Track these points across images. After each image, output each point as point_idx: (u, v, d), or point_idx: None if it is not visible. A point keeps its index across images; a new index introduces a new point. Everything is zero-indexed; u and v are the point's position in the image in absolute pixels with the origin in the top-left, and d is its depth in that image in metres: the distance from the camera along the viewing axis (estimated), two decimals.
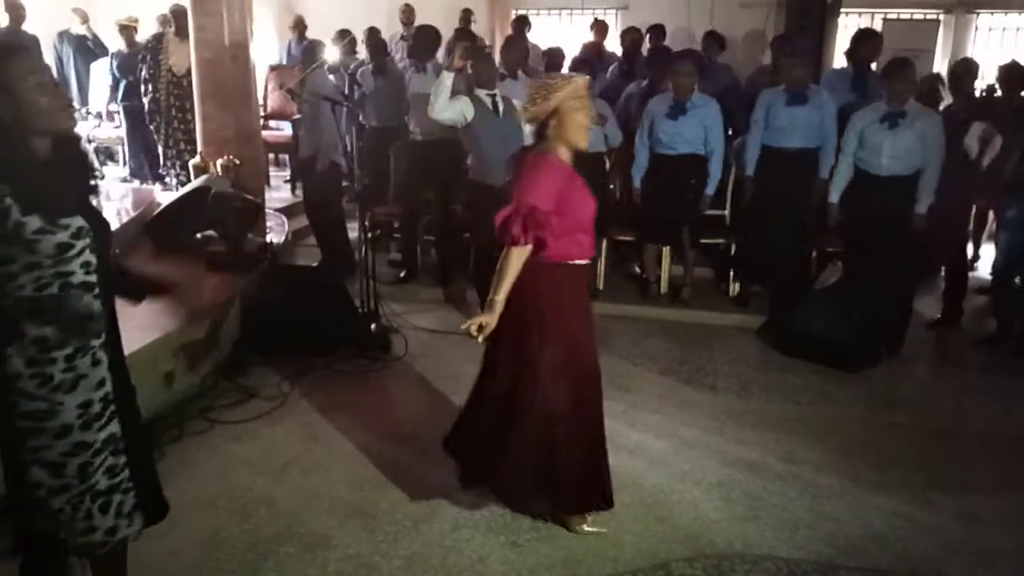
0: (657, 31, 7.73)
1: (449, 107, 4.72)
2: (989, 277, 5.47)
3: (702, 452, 3.79)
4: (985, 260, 6.31)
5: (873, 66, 5.79)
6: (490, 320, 2.86)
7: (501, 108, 4.87)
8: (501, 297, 2.86)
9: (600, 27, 8.41)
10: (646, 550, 3.07)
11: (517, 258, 2.85)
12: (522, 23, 8.13)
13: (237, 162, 5.69)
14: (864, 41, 5.76)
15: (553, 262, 2.91)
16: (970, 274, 6.00)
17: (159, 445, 3.65)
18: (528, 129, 3.15)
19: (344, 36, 7.62)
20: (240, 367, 4.52)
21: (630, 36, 7.62)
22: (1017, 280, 5.08)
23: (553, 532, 3.17)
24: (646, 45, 7.63)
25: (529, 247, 2.83)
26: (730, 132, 6.23)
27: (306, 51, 6.15)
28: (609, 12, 9.48)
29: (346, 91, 6.52)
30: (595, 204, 2.98)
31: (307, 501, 3.35)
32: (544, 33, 9.02)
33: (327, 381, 4.49)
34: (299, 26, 9.07)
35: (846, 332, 4.79)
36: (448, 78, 4.67)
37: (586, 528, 3.16)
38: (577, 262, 2.97)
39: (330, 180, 5.93)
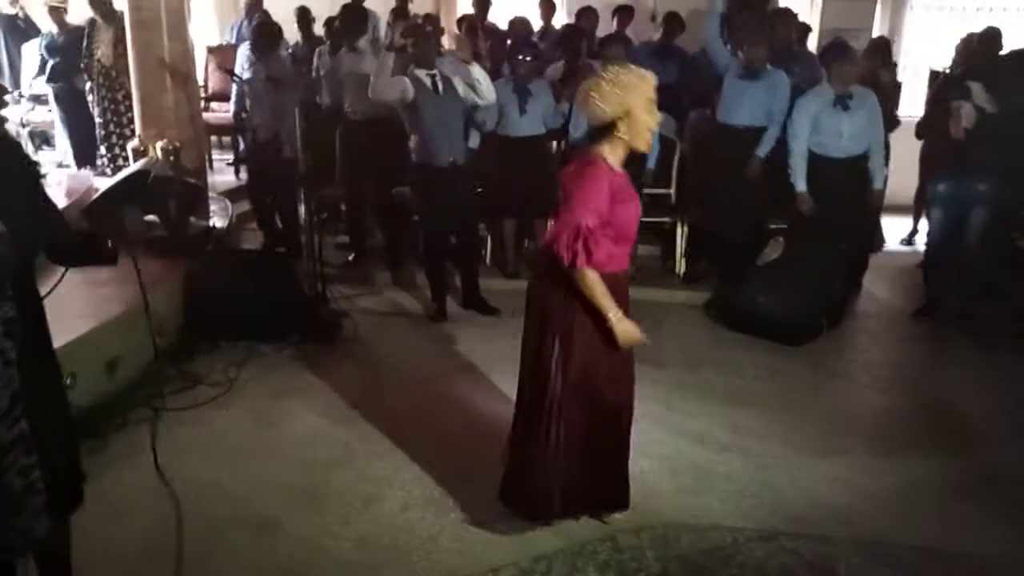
0: (625, 12, 7.66)
1: (389, 87, 4.66)
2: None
3: (650, 426, 3.82)
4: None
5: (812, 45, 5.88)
6: (634, 332, 2.81)
7: (441, 87, 4.80)
8: (614, 313, 2.74)
9: (547, 5, 8.36)
10: (595, 523, 3.11)
11: (592, 276, 2.69)
12: (483, 3, 8.04)
13: (177, 145, 5.56)
14: (776, 19, 5.85)
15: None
16: (908, 247, 6.20)
17: (103, 434, 3.59)
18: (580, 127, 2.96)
19: (305, 16, 7.49)
20: (186, 353, 4.45)
21: (586, 17, 7.57)
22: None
23: (505, 509, 3.19)
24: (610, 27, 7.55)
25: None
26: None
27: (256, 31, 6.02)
28: None
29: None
30: (639, 211, 2.82)
31: (256, 485, 3.32)
32: (494, 12, 8.90)
33: (275, 366, 4.45)
34: (255, 5, 8.81)
35: (789, 307, 4.89)
36: (389, 58, 4.61)
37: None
38: (617, 271, 2.82)
39: (291, 165, 5.87)
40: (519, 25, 7.07)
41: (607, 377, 2.89)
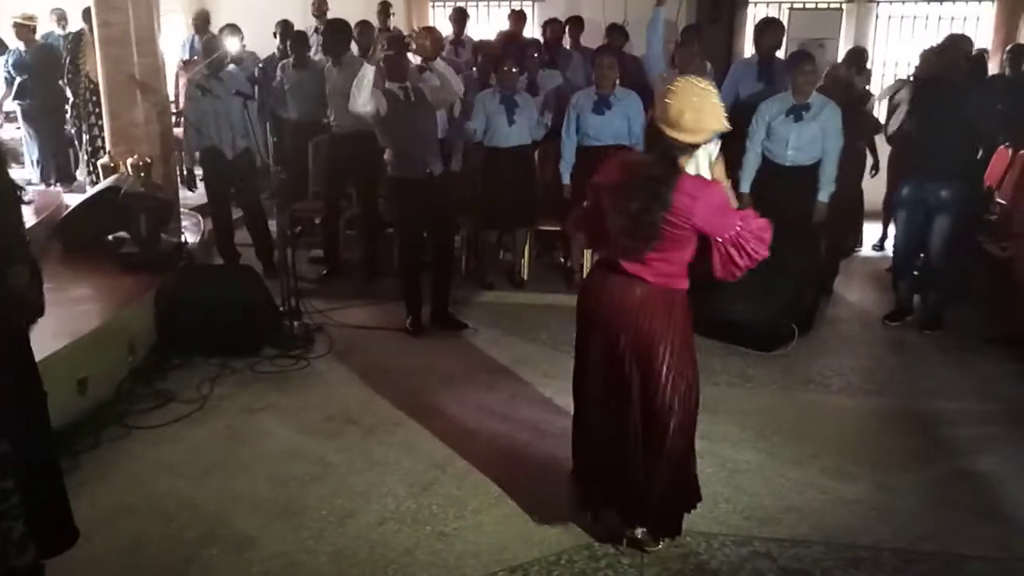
0: (576, 23, 7.75)
1: (371, 101, 4.64)
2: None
3: None
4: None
5: (781, 54, 5.97)
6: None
7: (413, 98, 4.81)
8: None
9: (517, 17, 8.42)
10: (570, 532, 3.12)
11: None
12: (461, 16, 8.11)
13: (148, 161, 5.53)
14: (763, 31, 5.93)
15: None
16: (879, 253, 6.29)
17: (75, 454, 3.55)
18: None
19: (235, 31, 7.47)
20: (158, 371, 4.42)
21: (551, 28, 7.65)
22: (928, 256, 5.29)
23: (480, 519, 3.21)
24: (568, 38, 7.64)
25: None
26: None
27: (207, 46, 6.00)
28: (526, 4, 9.50)
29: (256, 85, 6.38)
30: None
31: (230, 502, 3.30)
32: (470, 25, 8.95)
33: (249, 382, 4.42)
34: (202, 20, 8.81)
35: (761, 314, 4.94)
36: (370, 71, 4.58)
37: (658, 547, 3.01)
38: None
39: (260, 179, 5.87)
40: (508, 39, 7.10)
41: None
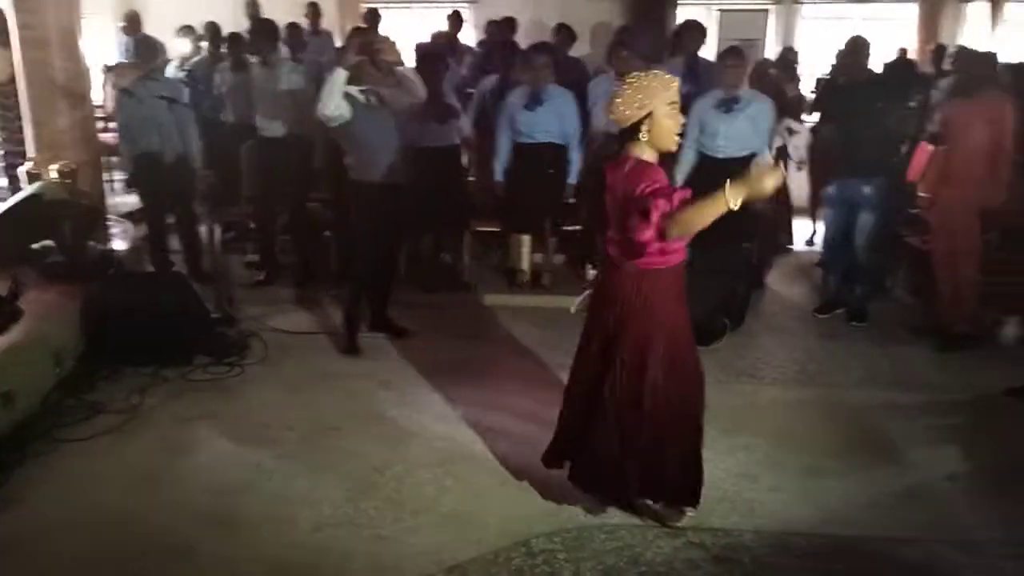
0: (508, 24, 7.80)
1: (341, 105, 4.47)
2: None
3: None
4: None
5: (712, 56, 6.08)
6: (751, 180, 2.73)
7: (376, 103, 4.68)
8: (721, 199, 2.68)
9: (455, 19, 8.43)
10: (508, 530, 3.14)
11: (691, 215, 2.69)
12: (374, 17, 8.06)
13: (74, 167, 5.39)
14: (681, 33, 6.04)
15: (656, 268, 2.93)
16: (811, 247, 6.46)
17: (1, 470, 3.44)
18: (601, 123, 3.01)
19: (189, 32, 7.34)
20: (86, 382, 4.30)
21: (491, 29, 7.67)
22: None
23: (419, 521, 3.20)
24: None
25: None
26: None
27: (144, 48, 5.86)
28: (460, 6, 9.52)
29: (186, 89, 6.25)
30: None
31: (164, 514, 3.24)
32: (395, 28, 8.94)
33: (181, 391, 4.33)
34: (132, 22, 8.61)
35: (695, 309, 4.99)
36: (342, 76, 4.41)
37: (682, 523, 3.15)
38: (679, 263, 3.02)
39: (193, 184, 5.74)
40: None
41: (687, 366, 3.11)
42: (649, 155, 2.84)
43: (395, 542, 3.08)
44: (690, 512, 3.16)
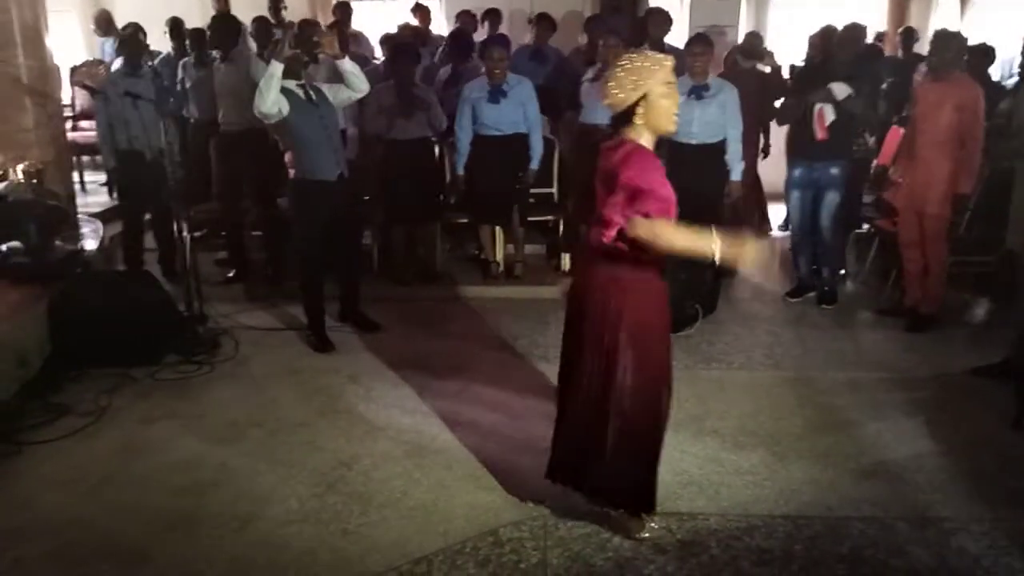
0: (467, 15, 7.75)
1: (280, 100, 4.38)
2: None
3: (533, 421, 3.84)
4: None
5: (680, 43, 6.07)
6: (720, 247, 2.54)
7: (314, 96, 4.61)
8: (713, 242, 2.53)
9: (423, 12, 8.38)
10: (476, 520, 3.15)
11: (667, 227, 2.55)
12: (345, 10, 7.99)
13: (40, 167, 5.33)
14: (646, 20, 6.03)
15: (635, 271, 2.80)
16: (784, 233, 6.48)
17: None
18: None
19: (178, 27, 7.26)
20: (52, 384, 4.26)
21: (463, 20, 7.63)
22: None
23: (385, 515, 3.20)
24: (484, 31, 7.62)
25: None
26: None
27: (129, 43, 5.78)
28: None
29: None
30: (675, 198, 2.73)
31: (124, 516, 3.21)
32: (364, 20, 8.88)
33: (149, 391, 4.31)
34: (104, 21, 8.52)
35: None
36: (278, 69, 4.31)
37: (645, 535, 3.06)
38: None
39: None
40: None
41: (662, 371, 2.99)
42: (646, 139, 2.71)
43: (361, 536, 3.07)
44: (652, 523, 3.09)
